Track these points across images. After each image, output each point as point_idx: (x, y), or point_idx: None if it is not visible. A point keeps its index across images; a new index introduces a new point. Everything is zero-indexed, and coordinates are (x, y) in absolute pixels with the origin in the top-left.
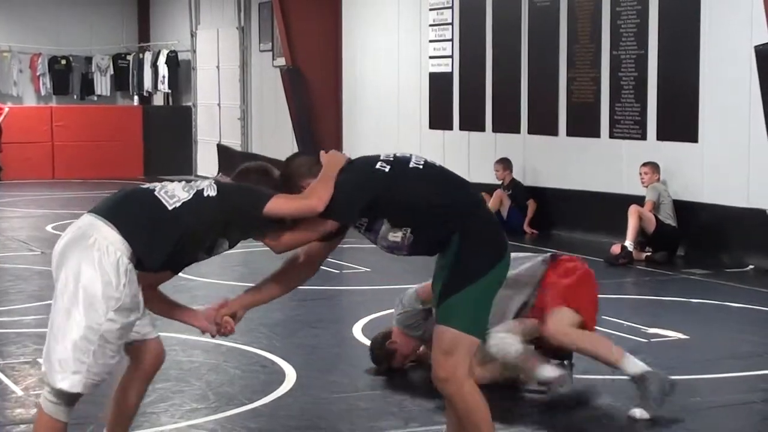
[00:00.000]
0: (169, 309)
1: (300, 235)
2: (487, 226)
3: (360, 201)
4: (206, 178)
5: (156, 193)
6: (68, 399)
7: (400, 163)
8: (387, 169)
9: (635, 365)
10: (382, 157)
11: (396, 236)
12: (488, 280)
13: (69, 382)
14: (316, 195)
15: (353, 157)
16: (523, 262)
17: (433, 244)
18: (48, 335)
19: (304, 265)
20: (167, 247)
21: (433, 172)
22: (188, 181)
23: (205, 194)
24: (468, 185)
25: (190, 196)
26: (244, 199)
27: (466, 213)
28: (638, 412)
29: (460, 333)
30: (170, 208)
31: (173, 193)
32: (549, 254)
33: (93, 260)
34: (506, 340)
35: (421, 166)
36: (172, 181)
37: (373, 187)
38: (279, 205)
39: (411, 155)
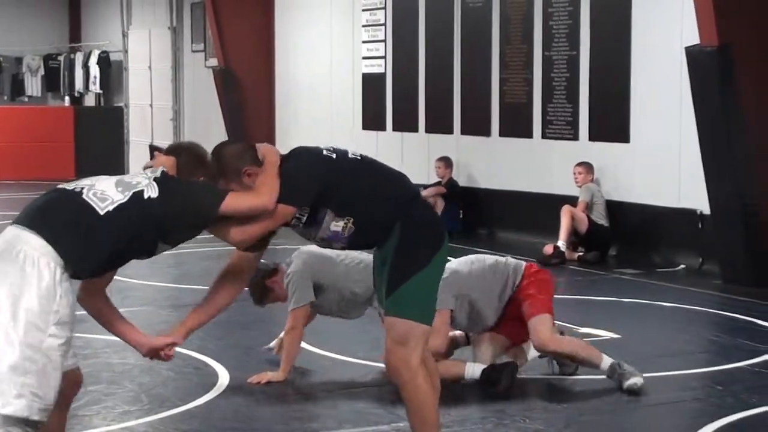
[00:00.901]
0: (112, 321)
1: (262, 225)
2: (426, 213)
3: (314, 185)
4: (139, 172)
5: (84, 196)
6: (23, 427)
7: (341, 152)
8: (333, 156)
9: (607, 361)
10: (323, 147)
11: (338, 226)
12: (433, 267)
13: (12, 408)
14: (267, 191)
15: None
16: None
17: (374, 234)
18: None
19: (237, 277)
20: (102, 254)
21: (372, 164)
22: (121, 177)
23: (145, 196)
24: (405, 177)
25: (126, 198)
26: (196, 200)
27: (408, 202)
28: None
29: (412, 323)
30: (102, 212)
31: (104, 194)
32: (521, 262)
33: (25, 275)
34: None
35: (359, 158)
36: (102, 177)
37: (324, 173)
38: (233, 204)
39: (347, 149)
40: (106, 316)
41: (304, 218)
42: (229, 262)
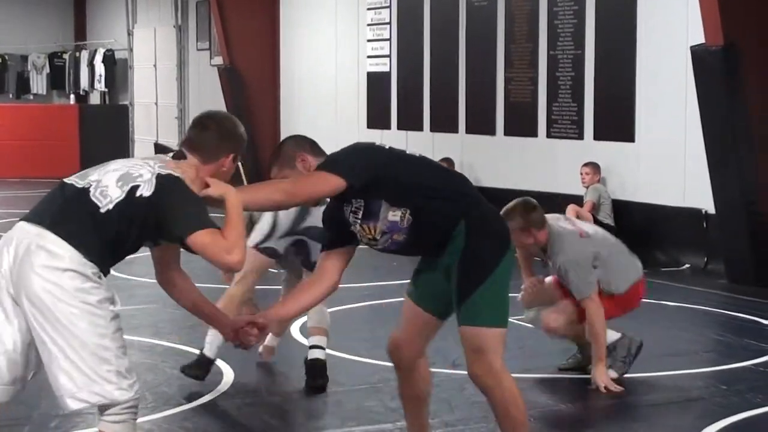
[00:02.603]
0: (198, 303)
1: (307, 190)
2: (491, 214)
3: (364, 165)
4: (152, 159)
5: (91, 195)
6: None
7: (397, 148)
8: (387, 147)
9: (610, 337)
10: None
11: (395, 215)
12: (503, 268)
13: (121, 393)
14: (237, 251)
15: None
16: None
17: (433, 233)
18: (50, 368)
19: (328, 276)
20: (108, 249)
21: (432, 163)
22: (128, 169)
23: (138, 193)
24: (467, 180)
25: (123, 194)
26: (174, 217)
27: (470, 203)
28: (610, 372)
29: (486, 329)
30: (102, 210)
31: (106, 191)
32: None
33: (61, 278)
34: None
35: (417, 155)
36: (111, 168)
37: (376, 158)
38: (201, 241)
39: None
40: (190, 298)
41: (360, 212)
42: (317, 273)
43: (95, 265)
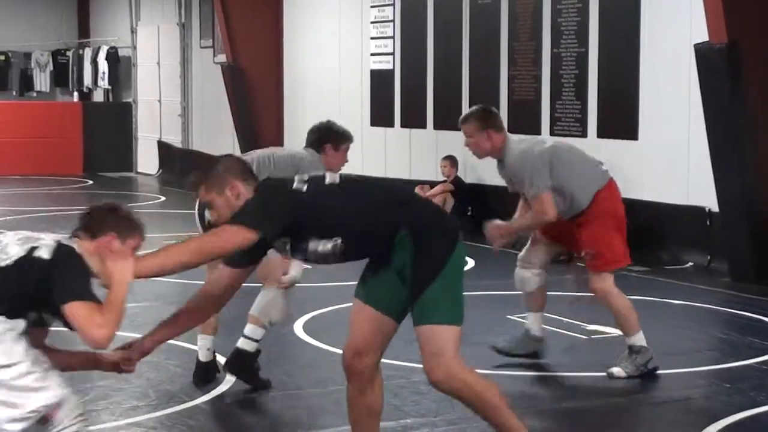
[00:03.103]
0: (66, 359)
1: (214, 246)
2: (431, 211)
3: (277, 214)
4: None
5: None
6: None
7: (314, 182)
8: (303, 182)
9: (640, 340)
10: (296, 178)
11: (326, 247)
12: (454, 264)
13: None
14: (107, 329)
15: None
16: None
17: (371, 245)
18: None
19: (216, 297)
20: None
21: (356, 181)
22: (31, 233)
23: (36, 254)
24: (392, 189)
25: (23, 252)
26: (63, 281)
27: (405, 207)
28: (615, 371)
29: (443, 327)
30: (2, 264)
31: (6, 248)
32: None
33: None
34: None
35: (338, 180)
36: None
37: (288, 204)
38: (74, 312)
39: (325, 174)
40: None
41: (288, 247)
42: (205, 284)
43: None
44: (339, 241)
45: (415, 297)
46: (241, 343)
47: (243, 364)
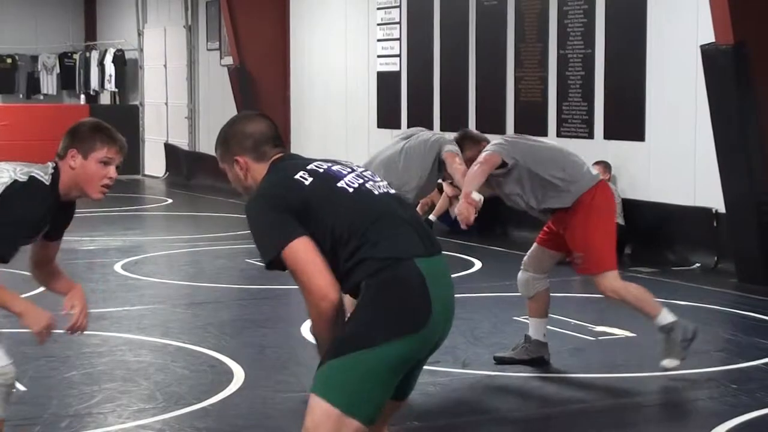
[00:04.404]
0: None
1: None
2: (403, 283)
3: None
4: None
5: None
6: None
7: (326, 177)
8: (307, 182)
9: (666, 318)
10: (309, 166)
11: None
12: (387, 352)
13: None
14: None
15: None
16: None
17: (341, 279)
18: None
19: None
20: None
21: (362, 199)
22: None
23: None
24: (402, 227)
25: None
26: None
27: (382, 259)
28: (667, 362)
29: (334, 410)
30: None
31: None
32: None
33: None
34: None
35: (351, 189)
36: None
37: (288, 203)
38: None
39: (350, 170)
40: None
41: None
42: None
43: None
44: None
45: (322, 359)
46: None
47: None
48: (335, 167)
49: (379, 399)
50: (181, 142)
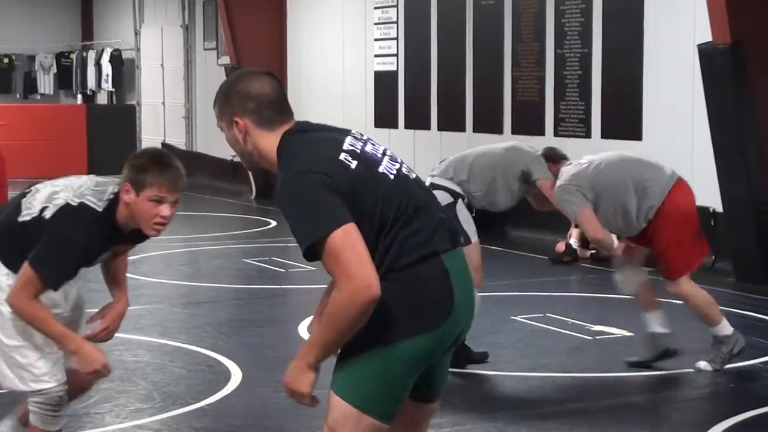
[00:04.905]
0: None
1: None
2: (426, 279)
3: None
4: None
5: (23, 198)
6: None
7: (366, 162)
8: (353, 165)
9: (723, 329)
10: (345, 146)
11: None
12: (406, 350)
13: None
14: (20, 301)
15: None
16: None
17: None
18: None
19: None
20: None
21: (401, 186)
22: (55, 189)
23: (43, 214)
24: (432, 219)
25: (36, 213)
26: (40, 243)
27: (410, 256)
28: (703, 365)
29: (352, 409)
30: (19, 220)
31: (33, 203)
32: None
33: None
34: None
35: (392, 176)
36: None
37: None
38: (20, 273)
39: (382, 153)
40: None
41: None
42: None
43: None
44: None
45: (340, 355)
46: None
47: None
48: (368, 148)
49: (398, 396)
50: (179, 141)
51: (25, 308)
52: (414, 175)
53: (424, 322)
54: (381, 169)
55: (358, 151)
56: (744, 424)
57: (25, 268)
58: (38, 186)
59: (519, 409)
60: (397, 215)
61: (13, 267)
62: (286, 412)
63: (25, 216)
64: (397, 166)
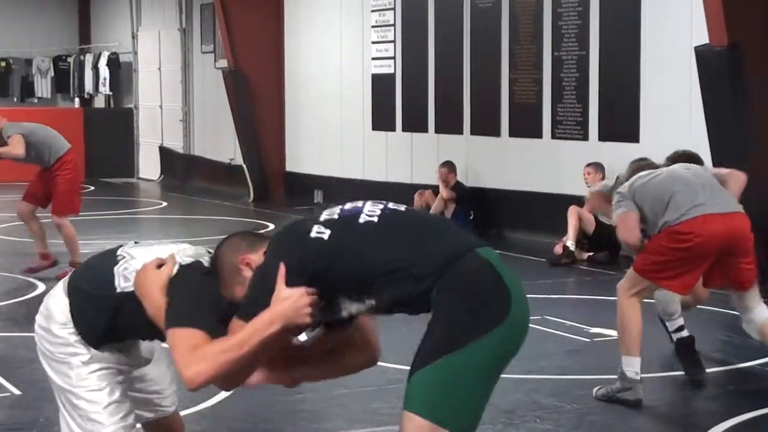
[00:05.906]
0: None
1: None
2: (473, 276)
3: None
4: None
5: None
6: None
7: (345, 219)
8: (324, 236)
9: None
10: (319, 221)
11: (360, 310)
12: (471, 352)
13: None
14: (197, 367)
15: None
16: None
17: (412, 308)
18: None
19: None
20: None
21: (391, 222)
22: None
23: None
24: (446, 230)
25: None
26: (171, 305)
27: (441, 265)
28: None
29: (425, 423)
30: (127, 290)
31: (132, 273)
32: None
33: None
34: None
35: (375, 219)
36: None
37: (306, 261)
38: (173, 343)
39: (364, 205)
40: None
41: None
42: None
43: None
44: (372, 303)
45: (410, 372)
46: None
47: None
48: (347, 206)
49: (475, 406)
50: (176, 145)
51: (193, 375)
52: (404, 207)
53: (486, 322)
54: (361, 219)
55: (336, 216)
56: (744, 425)
57: (176, 335)
58: (128, 251)
59: (517, 411)
60: (401, 251)
61: (83, 326)
62: (285, 415)
63: (126, 288)
64: (381, 205)
